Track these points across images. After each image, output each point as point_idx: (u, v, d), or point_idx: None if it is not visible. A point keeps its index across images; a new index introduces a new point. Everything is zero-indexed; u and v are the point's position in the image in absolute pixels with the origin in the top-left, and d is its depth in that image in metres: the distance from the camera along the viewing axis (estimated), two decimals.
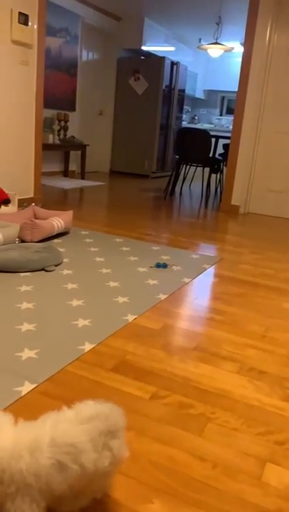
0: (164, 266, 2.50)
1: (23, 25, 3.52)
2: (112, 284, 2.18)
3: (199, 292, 2.19)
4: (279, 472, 1.05)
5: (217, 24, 6.06)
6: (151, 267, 2.48)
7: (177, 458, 1.07)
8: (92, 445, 0.79)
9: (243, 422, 1.22)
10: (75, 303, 1.91)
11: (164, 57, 6.52)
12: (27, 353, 1.46)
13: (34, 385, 1.29)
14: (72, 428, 0.81)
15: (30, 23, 3.58)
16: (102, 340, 1.60)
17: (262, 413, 1.27)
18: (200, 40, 7.52)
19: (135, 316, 1.83)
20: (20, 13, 3.46)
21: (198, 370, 1.47)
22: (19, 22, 3.47)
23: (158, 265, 2.50)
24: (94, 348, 1.55)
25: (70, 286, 2.10)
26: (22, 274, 2.21)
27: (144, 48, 6.63)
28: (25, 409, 1.19)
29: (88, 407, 0.87)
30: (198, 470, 1.04)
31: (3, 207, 3.29)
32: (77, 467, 0.77)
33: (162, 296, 2.07)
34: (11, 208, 3.35)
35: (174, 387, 1.36)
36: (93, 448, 0.79)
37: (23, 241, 2.67)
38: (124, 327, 1.73)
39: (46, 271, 2.27)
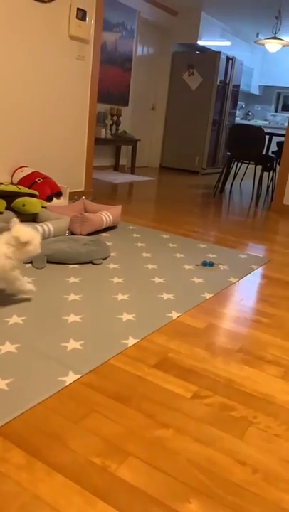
0: (211, 264, 2.47)
1: (81, 21, 3.57)
2: (157, 280, 2.18)
3: (246, 293, 2.15)
4: None
5: (276, 18, 5.89)
6: (197, 265, 2.47)
7: (217, 460, 1.06)
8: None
9: (286, 428, 1.19)
10: (120, 297, 1.93)
11: (219, 52, 6.41)
12: (72, 344, 1.50)
13: (78, 376, 1.32)
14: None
15: (87, 19, 3.63)
16: (145, 336, 1.61)
17: None
18: (258, 34, 7.34)
19: (179, 314, 1.82)
20: (78, 8, 3.51)
21: (241, 372, 1.45)
22: (77, 18, 3.53)
23: (204, 263, 2.48)
24: (137, 343, 1.56)
25: (116, 280, 2.13)
26: (70, 265, 2.26)
27: (199, 42, 6.55)
28: (68, 399, 1.22)
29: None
30: (238, 474, 1.02)
31: (55, 199, 3.37)
32: None
33: (208, 295, 2.05)
34: (63, 201, 3.43)
35: (216, 388, 1.35)
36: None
37: (72, 233, 2.73)
38: (168, 324, 1.73)
39: (94, 264, 2.31)
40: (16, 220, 1.68)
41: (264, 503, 0.95)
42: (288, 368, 1.50)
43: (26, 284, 1.76)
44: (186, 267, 2.42)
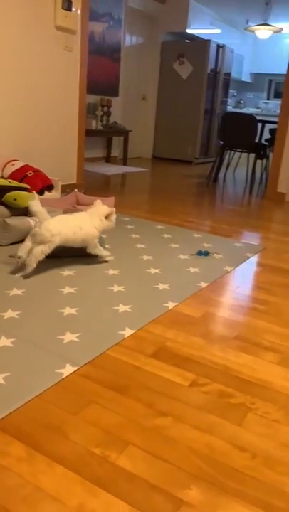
0: (206, 254, 2.47)
1: (67, 11, 3.52)
2: (152, 270, 2.18)
3: (241, 281, 2.16)
4: None
5: (266, 4, 5.85)
6: (192, 255, 2.46)
7: (216, 446, 1.06)
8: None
9: (284, 413, 1.20)
10: (116, 288, 1.93)
11: (209, 41, 6.36)
12: (69, 337, 1.49)
13: (75, 368, 1.32)
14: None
15: (73, 9, 3.58)
16: (142, 326, 1.61)
17: None
18: (247, 21, 7.29)
19: (176, 304, 1.82)
20: None
21: (238, 359, 1.45)
22: (63, 8, 3.48)
23: (199, 253, 2.47)
24: (134, 333, 1.56)
25: (111, 272, 2.12)
26: (65, 258, 2.25)
27: (188, 30, 6.50)
28: (66, 391, 1.22)
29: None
30: (238, 459, 1.03)
31: (46, 193, 3.35)
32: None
33: (203, 284, 2.05)
34: (54, 194, 3.41)
35: (213, 375, 1.35)
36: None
37: None
38: (164, 314, 1.73)
39: (88, 256, 2.30)
40: (98, 200, 2.24)
41: (264, 487, 0.96)
42: (285, 354, 1.51)
43: (104, 251, 2.23)
44: (182, 256, 2.42)
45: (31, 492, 0.90)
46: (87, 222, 2.11)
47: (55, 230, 1.96)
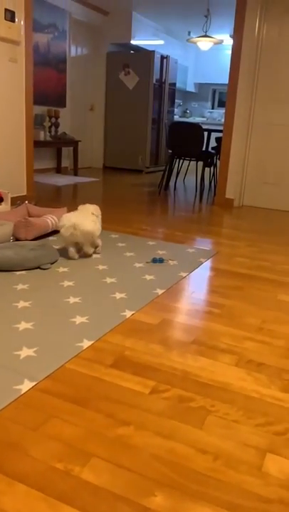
0: (161, 261, 2.50)
1: (10, 22, 3.48)
2: (108, 280, 2.18)
3: (196, 286, 2.20)
4: (279, 462, 1.06)
5: (206, 17, 6.03)
6: (147, 262, 2.49)
7: (178, 451, 1.07)
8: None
9: (243, 413, 1.23)
10: (72, 300, 1.91)
11: (153, 51, 6.48)
12: (25, 352, 1.46)
13: (34, 383, 1.29)
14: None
15: (16, 20, 3.55)
16: (100, 337, 1.60)
17: (261, 404, 1.27)
18: (189, 33, 7.48)
19: (133, 312, 1.83)
20: (6, 9, 3.43)
21: (196, 363, 1.48)
22: (5, 19, 3.44)
23: (154, 260, 2.50)
24: (92, 344, 1.55)
25: (66, 283, 2.10)
26: (17, 272, 2.20)
27: (133, 42, 6.59)
28: (26, 407, 1.19)
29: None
30: (200, 462, 1.04)
31: None
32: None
33: (159, 291, 2.07)
34: (4, 207, 3.33)
35: (173, 381, 1.37)
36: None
37: (17, 239, 2.66)
38: (122, 323, 1.73)
39: (42, 269, 2.27)
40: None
41: (226, 487, 0.98)
42: (241, 355, 1.55)
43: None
44: (137, 265, 2.44)
45: None
46: (96, 220, 2.48)
47: (90, 227, 2.39)
